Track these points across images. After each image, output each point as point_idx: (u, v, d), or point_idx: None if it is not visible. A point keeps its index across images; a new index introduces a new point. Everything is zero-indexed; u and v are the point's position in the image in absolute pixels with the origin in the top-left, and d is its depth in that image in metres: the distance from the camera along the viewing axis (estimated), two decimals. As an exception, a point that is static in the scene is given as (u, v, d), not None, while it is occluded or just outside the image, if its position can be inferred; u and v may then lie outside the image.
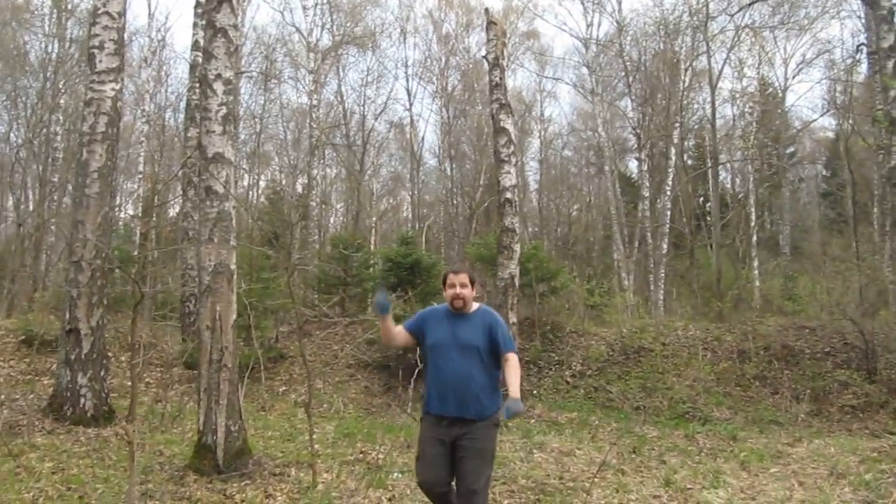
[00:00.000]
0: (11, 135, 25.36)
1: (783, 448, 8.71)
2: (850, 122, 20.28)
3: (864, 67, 19.03)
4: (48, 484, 5.87)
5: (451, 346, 4.28)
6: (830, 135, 29.76)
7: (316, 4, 25.71)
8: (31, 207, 24.07)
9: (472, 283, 4.41)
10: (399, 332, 4.53)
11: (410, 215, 34.55)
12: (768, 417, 10.75)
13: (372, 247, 25.98)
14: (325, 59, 26.70)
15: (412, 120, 31.63)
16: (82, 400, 8.37)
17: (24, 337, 11.77)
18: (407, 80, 32.34)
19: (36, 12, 23.75)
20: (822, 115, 28.60)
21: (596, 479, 6.56)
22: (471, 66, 30.94)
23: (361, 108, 31.25)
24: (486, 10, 12.72)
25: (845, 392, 11.36)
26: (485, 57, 12.56)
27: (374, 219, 31.69)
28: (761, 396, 11.59)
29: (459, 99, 31.70)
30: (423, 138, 33.48)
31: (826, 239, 23.23)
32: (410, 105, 31.33)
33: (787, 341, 12.72)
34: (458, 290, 4.34)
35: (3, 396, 8.71)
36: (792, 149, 31.10)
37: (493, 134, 12.51)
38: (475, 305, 4.46)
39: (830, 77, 24.84)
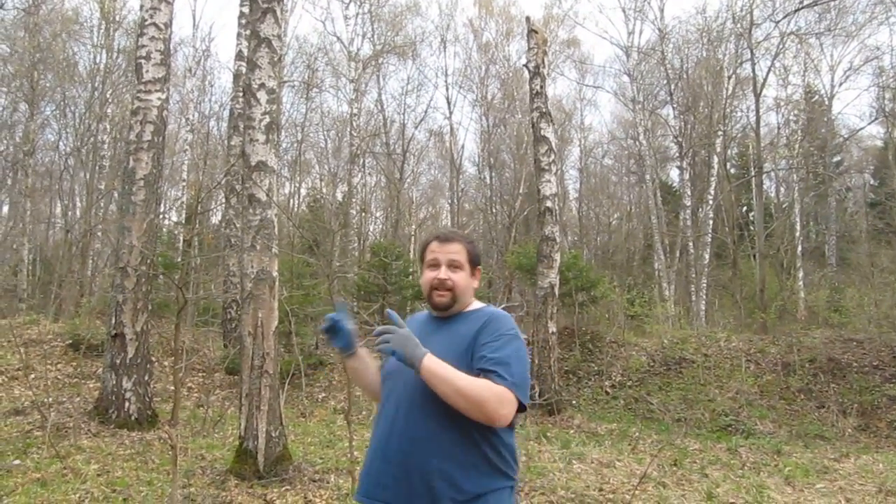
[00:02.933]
0: (60, 143, 26.09)
1: (829, 463, 8.52)
2: (900, 130, 19.84)
3: (914, 74, 18.62)
4: (94, 486, 5.98)
5: (398, 378, 2.43)
6: (878, 143, 29.18)
7: (357, 14, 25.99)
8: (78, 214, 24.64)
9: (473, 262, 2.57)
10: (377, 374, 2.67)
11: (450, 224, 34.54)
12: (814, 432, 10.52)
13: (411, 255, 26.07)
14: (366, 67, 26.92)
15: (452, 128, 31.72)
16: (127, 403, 8.52)
17: (70, 341, 12.03)
18: (447, 89, 32.47)
19: (85, 24, 24.40)
20: (869, 123, 27.98)
21: (636, 492, 6.47)
22: (511, 74, 30.93)
23: (401, 116, 31.44)
24: (527, 18, 12.71)
25: (894, 407, 11.08)
26: (525, 65, 12.55)
27: (413, 227, 31.82)
28: (806, 410, 11.35)
29: (499, 107, 31.67)
30: (462, 147, 33.45)
31: (874, 249, 22.65)
32: (450, 113, 31.26)
33: (834, 354, 12.45)
34: (444, 272, 2.50)
35: (50, 399, 8.88)
36: (838, 157, 30.52)
37: (533, 142, 12.48)
38: (475, 304, 2.60)
39: (879, 84, 24.33)
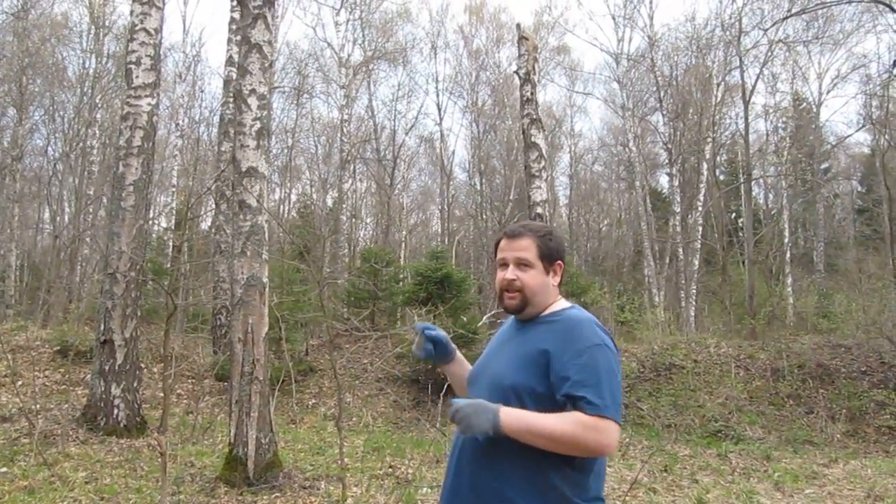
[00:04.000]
0: (49, 148, 25.96)
1: (818, 469, 8.56)
2: (887, 137, 19.99)
3: (900, 82, 18.75)
4: (82, 493, 5.94)
5: (477, 385, 2.31)
6: (866, 150, 29.38)
7: (348, 20, 25.97)
8: (67, 220, 24.53)
9: (548, 258, 2.28)
10: None
11: (440, 230, 34.57)
12: (803, 437, 10.57)
13: (402, 261, 26.07)
14: (357, 74, 26.90)
15: (442, 134, 31.71)
16: (115, 410, 8.46)
17: (59, 347, 11.95)
18: (437, 95, 32.57)
19: (74, 28, 24.34)
20: (857, 131, 28.15)
21: (627, 498, 6.48)
22: (501, 81, 30.99)
23: (392, 122, 31.47)
24: (518, 25, 12.74)
25: (882, 412, 11.14)
26: (516, 72, 12.58)
27: (403, 233, 31.80)
28: (795, 416, 11.40)
29: (489, 114, 31.73)
30: (452, 153, 33.56)
31: (862, 256, 22.85)
32: (440, 120, 31.46)
33: (822, 360, 12.52)
34: (511, 271, 2.27)
35: (38, 406, 8.82)
36: (826, 164, 30.74)
37: (523, 149, 12.50)
38: (558, 304, 2.31)
39: (866, 92, 24.50)
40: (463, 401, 2.06)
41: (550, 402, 2.04)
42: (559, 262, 2.31)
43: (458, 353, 2.59)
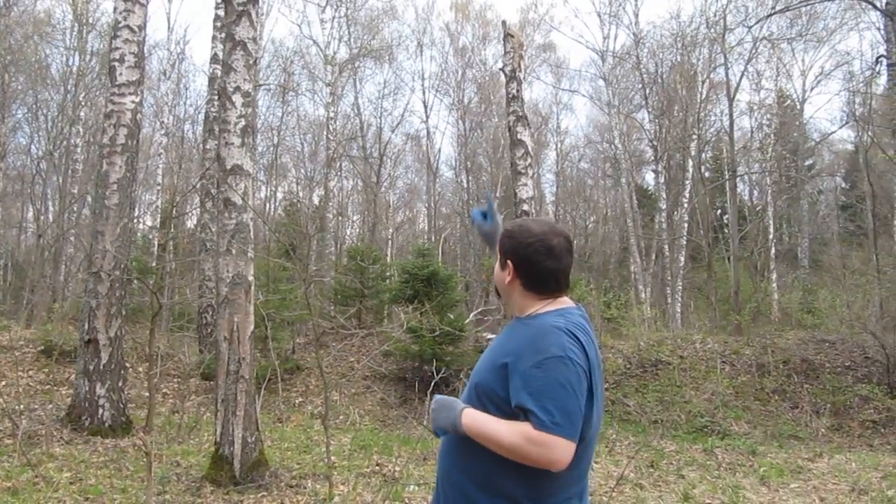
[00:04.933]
0: (32, 147, 25.81)
1: (803, 463, 8.62)
2: (870, 133, 20.11)
3: (883, 79, 18.86)
4: (66, 494, 5.90)
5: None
6: (849, 147, 29.60)
7: (333, 18, 25.89)
8: (51, 218, 24.36)
9: (503, 255, 2.28)
10: None
11: (427, 227, 34.59)
12: (788, 432, 10.64)
13: (388, 259, 26.04)
14: (342, 71, 26.85)
15: (428, 132, 31.74)
16: (100, 410, 8.41)
17: (42, 347, 11.86)
18: (423, 93, 32.47)
19: (57, 26, 24.13)
20: (840, 127, 28.49)
21: (614, 494, 6.50)
22: (487, 78, 31.04)
23: (378, 120, 31.44)
24: (504, 22, 12.74)
25: (866, 407, 11.23)
26: (502, 69, 12.58)
27: (390, 231, 31.80)
28: (781, 411, 11.47)
29: (476, 111, 31.76)
30: (439, 150, 33.46)
31: (845, 251, 22.97)
32: (427, 117, 31.27)
33: (807, 355, 12.60)
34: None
35: (22, 406, 8.75)
36: (810, 161, 30.93)
37: (509, 146, 12.51)
38: (545, 306, 2.22)
39: (849, 89, 24.66)
40: (440, 397, 2.16)
41: (509, 406, 2.03)
42: (508, 260, 2.25)
43: None
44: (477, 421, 2.05)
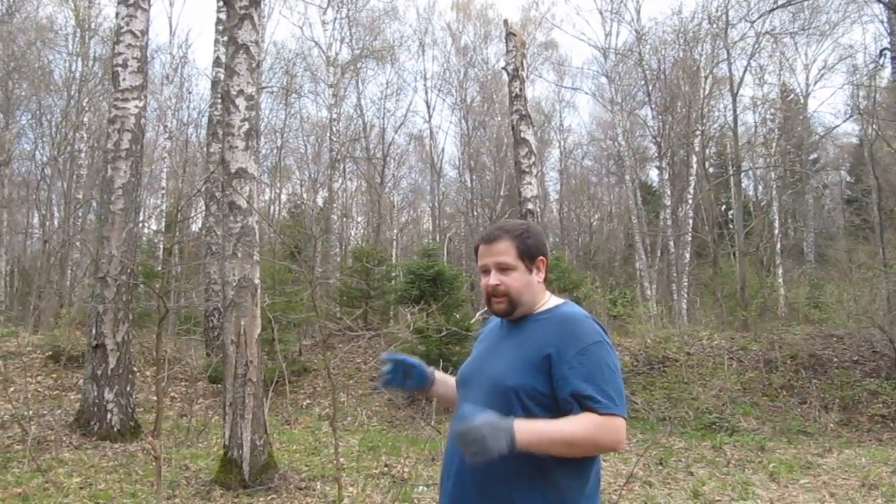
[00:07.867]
0: (37, 153, 25.87)
1: (813, 459, 8.59)
2: (874, 127, 20.05)
3: (887, 72, 18.80)
4: (76, 499, 5.91)
5: (471, 387, 2.25)
6: (854, 140, 29.50)
7: (335, 19, 25.95)
8: (56, 224, 24.41)
9: (528, 256, 2.22)
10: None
11: (431, 227, 34.59)
12: (797, 427, 10.60)
13: (393, 259, 26.04)
14: (345, 72, 26.87)
15: (432, 132, 31.73)
16: (109, 415, 8.43)
17: (50, 353, 11.88)
18: (426, 93, 32.52)
19: (60, 32, 24.23)
20: (845, 121, 28.31)
21: (623, 492, 6.49)
22: (489, 77, 31.01)
23: (381, 120, 31.46)
24: (506, 21, 12.73)
25: (875, 401, 11.19)
26: (504, 68, 12.58)
27: (395, 231, 31.77)
28: (789, 406, 11.44)
29: (478, 110, 31.75)
30: (442, 150, 33.59)
31: (852, 246, 22.90)
32: (430, 117, 31.49)
33: (815, 350, 12.57)
34: (493, 277, 2.22)
35: (30, 412, 8.78)
36: (815, 155, 30.86)
37: (513, 145, 12.50)
38: (548, 301, 2.28)
39: (853, 82, 24.59)
40: (483, 419, 1.89)
41: (552, 401, 2.03)
42: (541, 257, 2.26)
43: (438, 374, 2.51)
44: (536, 431, 1.95)
